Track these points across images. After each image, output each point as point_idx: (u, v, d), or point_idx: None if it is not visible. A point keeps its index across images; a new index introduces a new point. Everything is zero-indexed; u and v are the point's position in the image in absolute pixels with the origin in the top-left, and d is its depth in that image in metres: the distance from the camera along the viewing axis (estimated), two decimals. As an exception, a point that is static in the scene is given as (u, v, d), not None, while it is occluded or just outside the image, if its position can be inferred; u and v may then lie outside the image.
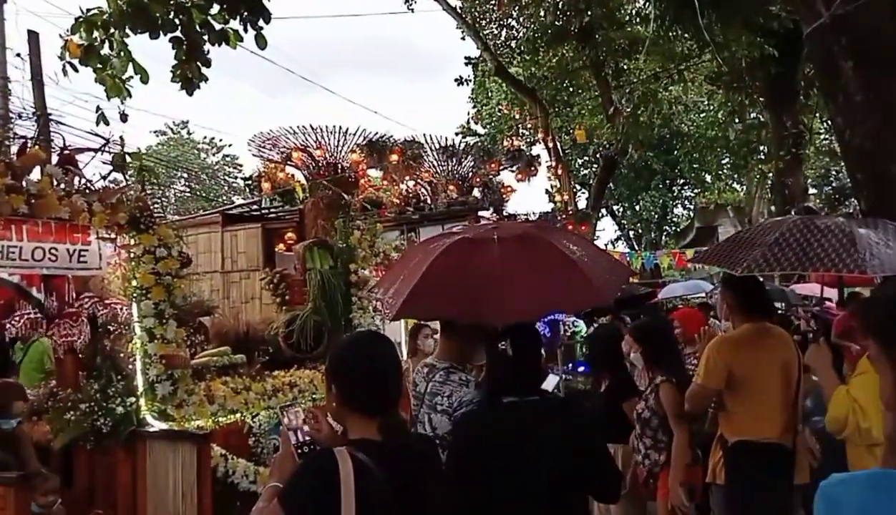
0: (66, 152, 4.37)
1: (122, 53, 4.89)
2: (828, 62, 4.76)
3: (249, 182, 9.88)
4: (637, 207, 29.89)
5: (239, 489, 4.16)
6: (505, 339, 2.24)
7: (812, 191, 21.08)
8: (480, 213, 10.22)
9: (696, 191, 28.98)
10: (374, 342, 1.97)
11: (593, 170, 24.28)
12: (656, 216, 29.94)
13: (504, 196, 11.31)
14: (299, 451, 1.80)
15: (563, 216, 13.44)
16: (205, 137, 35.33)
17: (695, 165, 24.57)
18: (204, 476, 3.83)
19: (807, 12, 4.83)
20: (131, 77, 4.98)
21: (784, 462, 3.09)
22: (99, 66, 4.92)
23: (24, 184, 3.84)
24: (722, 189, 26.78)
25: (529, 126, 17.59)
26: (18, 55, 10.74)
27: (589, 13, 13.03)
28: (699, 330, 4.58)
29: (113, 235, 4.33)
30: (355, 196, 8.43)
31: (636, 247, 28.04)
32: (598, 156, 21.83)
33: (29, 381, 5.12)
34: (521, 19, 16.16)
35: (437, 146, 10.56)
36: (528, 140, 18.17)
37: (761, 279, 3.35)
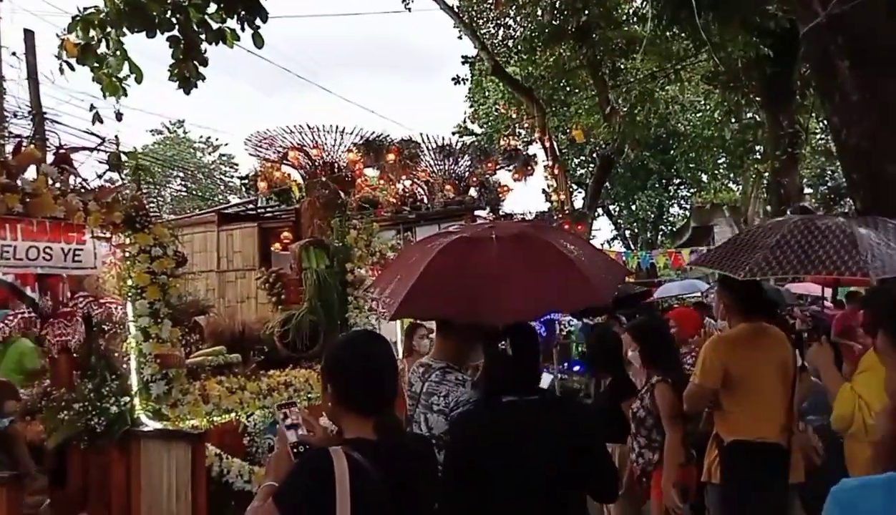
0: (62, 151, 4.35)
1: (117, 52, 4.88)
2: (824, 62, 4.77)
3: (246, 181, 9.86)
4: (633, 207, 29.94)
5: (234, 488, 4.15)
6: (504, 339, 2.24)
7: (808, 190, 21.15)
8: (477, 213, 10.23)
9: (692, 190, 29.04)
10: (370, 341, 1.97)
11: (590, 169, 24.31)
12: (652, 215, 29.98)
13: (500, 195, 11.32)
14: (295, 451, 1.80)
15: (560, 215, 13.46)
16: (201, 136, 35.28)
17: (691, 165, 24.63)
18: (198, 475, 3.82)
19: (803, 12, 4.84)
20: (127, 76, 4.97)
21: (780, 462, 3.10)
22: (96, 65, 4.91)
23: (19, 182, 3.83)
24: (718, 188, 26.85)
25: (526, 125, 17.61)
26: (14, 54, 10.71)
27: (586, 12, 13.04)
28: (695, 330, 4.60)
29: (108, 234, 4.31)
30: (352, 195, 8.42)
31: (632, 247, 28.07)
32: (594, 155, 21.87)
33: (7, 383, 5.03)
34: (518, 18, 16.19)
35: (434, 145, 10.56)
36: (525, 139, 18.19)
37: (758, 279, 3.35)
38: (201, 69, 5.01)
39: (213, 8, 4.75)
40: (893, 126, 4.41)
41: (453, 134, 22.47)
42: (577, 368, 8.23)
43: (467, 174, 10.88)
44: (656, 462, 3.54)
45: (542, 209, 14.29)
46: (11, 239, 4.08)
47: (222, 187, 33.40)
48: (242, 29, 4.83)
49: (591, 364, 4.64)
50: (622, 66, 15.44)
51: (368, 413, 1.81)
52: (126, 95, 5.10)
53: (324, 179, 8.30)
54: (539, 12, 14.73)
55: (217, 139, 35.33)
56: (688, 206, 29.67)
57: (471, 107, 23.12)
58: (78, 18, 4.68)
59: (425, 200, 10.48)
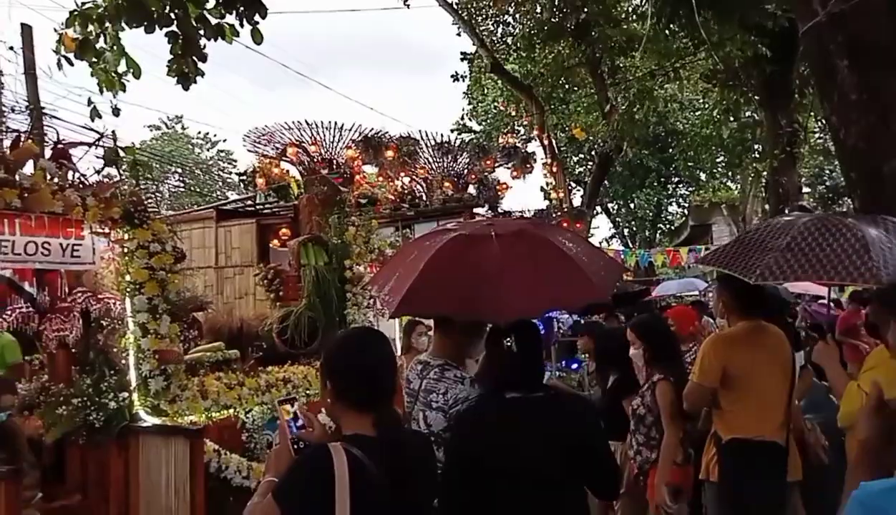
0: (60, 146, 4.34)
1: (114, 47, 4.87)
2: (823, 60, 4.77)
3: (244, 177, 9.84)
4: (632, 205, 29.96)
5: (232, 484, 4.15)
6: (509, 336, 2.25)
7: (806, 189, 21.17)
8: (475, 210, 10.22)
9: (690, 189, 29.08)
10: (368, 337, 1.97)
11: (588, 167, 24.32)
12: (651, 214, 30.01)
13: (499, 193, 11.31)
14: (295, 447, 1.80)
15: (558, 213, 13.46)
16: (199, 132, 35.22)
17: (689, 163, 24.67)
18: (197, 471, 3.82)
19: (803, 10, 4.84)
20: (126, 72, 4.95)
21: (778, 460, 3.11)
22: (94, 59, 4.90)
23: (17, 177, 3.82)
24: (716, 187, 26.87)
25: (525, 123, 17.60)
26: (11, 48, 10.67)
27: (585, 10, 13.04)
28: (693, 328, 4.60)
29: (106, 230, 4.30)
30: (350, 192, 8.41)
31: (630, 245, 28.10)
32: (592, 153, 21.87)
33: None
34: (517, 16, 16.16)
35: (433, 142, 10.55)
36: (524, 137, 18.18)
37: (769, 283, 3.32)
38: (200, 65, 5.00)
39: (211, 3, 4.73)
40: (892, 125, 4.41)
41: (452, 131, 22.49)
42: (574, 366, 8.24)
43: (466, 171, 10.87)
44: (654, 460, 3.54)
45: (541, 207, 14.28)
46: (10, 233, 4.07)
47: (220, 183, 33.35)
48: (241, 25, 4.82)
49: (598, 361, 4.64)
50: (621, 64, 15.44)
51: (367, 409, 1.81)
52: (124, 91, 5.08)
53: (327, 175, 8.27)
54: (538, 9, 14.72)
55: (215, 135, 35.28)
56: (686, 205, 29.70)
57: (469, 104, 23.11)
58: (76, 13, 4.67)
59: (424, 197, 10.48)
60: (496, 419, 2.22)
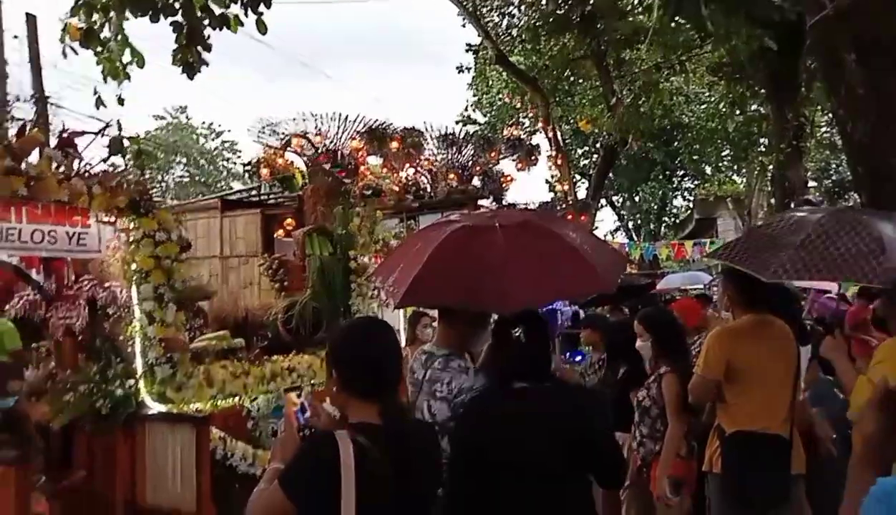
0: (66, 135, 4.35)
1: (119, 37, 4.87)
2: (831, 54, 4.74)
3: (248, 167, 9.84)
4: (636, 198, 29.90)
5: (237, 471, 4.18)
6: (517, 326, 2.26)
7: (812, 184, 21.07)
8: (480, 202, 10.21)
9: (695, 182, 28.98)
10: (373, 327, 1.99)
11: (593, 160, 24.26)
12: (655, 207, 29.95)
13: (504, 185, 11.29)
14: (301, 434, 1.82)
15: (563, 206, 13.44)
16: (203, 122, 35.21)
17: (695, 157, 24.58)
18: (203, 458, 3.85)
19: (811, 3, 4.81)
20: (130, 62, 4.96)
21: (781, 452, 3.11)
22: (99, 49, 4.91)
23: (23, 166, 3.83)
24: (722, 181, 26.79)
25: (530, 115, 17.55)
26: (16, 37, 10.68)
27: (591, 2, 12.98)
28: (698, 322, 4.60)
29: (112, 219, 4.32)
30: (355, 183, 8.42)
31: (635, 238, 28.08)
32: (597, 145, 21.80)
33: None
34: (522, 7, 16.10)
35: (437, 134, 10.54)
36: (529, 129, 18.13)
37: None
38: (204, 55, 5.00)
39: (217, -7, 4.73)
40: (900, 119, 4.39)
41: (457, 123, 22.43)
42: (578, 358, 8.25)
43: (471, 163, 10.86)
44: (657, 452, 3.56)
45: (546, 199, 14.27)
46: (16, 221, 4.09)
47: (225, 173, 33.39)
48: (246, 14, 4.82)
49: (608, 353, 4.66)
50: (627, 57, 15.38)
51: (373, 398, 1.83)
52: (129, 80, 5.09)
53: (332, 167, 8.28)
54: (543, 1, 14.65)
55: (220, 125, 35.27)
56: (691, 198, 29.63)
57: (474, 96, 23.04)
58: (81, 2, 4.67)
59: (428, 189, 10.47)
60: (504, 409, 2.23)
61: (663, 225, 30.84)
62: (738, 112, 17.27)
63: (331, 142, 9.21)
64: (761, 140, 17.58)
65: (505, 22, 16.73)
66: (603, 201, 26.13)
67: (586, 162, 26.06)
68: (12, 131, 4.06)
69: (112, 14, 4.69)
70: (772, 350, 3.20)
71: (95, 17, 4.73)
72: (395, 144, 9.60)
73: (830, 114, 13.91)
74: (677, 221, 30.40)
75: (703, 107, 20.29)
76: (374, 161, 9.66)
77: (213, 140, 35.59)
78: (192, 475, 3.84)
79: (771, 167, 15.55)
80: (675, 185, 30.23)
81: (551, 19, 14.14)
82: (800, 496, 3.25)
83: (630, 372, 4.05)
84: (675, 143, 24.22)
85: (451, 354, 2.55)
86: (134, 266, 4.23)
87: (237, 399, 4.61)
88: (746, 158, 19.61)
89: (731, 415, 3.21)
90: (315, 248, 6.19)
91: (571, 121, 19.21)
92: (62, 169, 4.04)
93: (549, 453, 2.15)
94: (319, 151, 9.09)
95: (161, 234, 4.25)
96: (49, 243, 4.20)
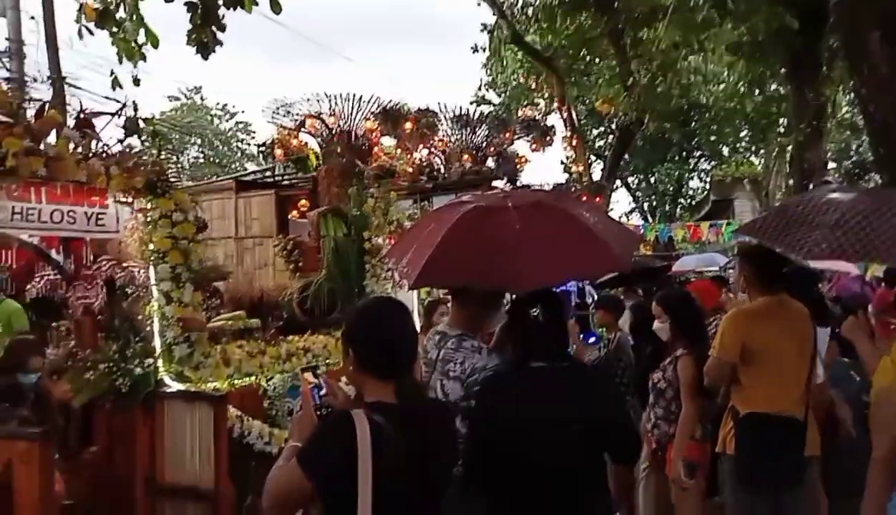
0: (83, 116, 4.38)
1: (134, 17, 4.88)
2: (854, 32, 4.65)
3: (263, 148, 9.86)
4: (652, 179, 29.63)
5: (254, 449, 4.24)
6: (535, 305, 2.27)
7: (832, 165, 20.76)
8: (494, 183, 10.16)
9: (712, 163, 28.64)
10: (389, 307, 2.00)
11: (609, 140, 24.02)
12: (671, 188, 29.67)
13: (518, 166, 11.23)
14: (319, 413, 1.84)
15: (578, 187, 13.35)
16: (217, 103, 35.24)
17: (712, 137, 24.27)
18: (220, 436, 3.90)
19: (835, -20, 4.71)
20: (145, 42, 4.97)
21: (795, 435, 3.10)
22: (114, 29, 4.92)
23: (42, 146, 3.86)
24: (739, 162, 26.44)
25: (545, 95, 17.38)
26: (32, 18, 10.71)
27: (608, -20, 12.74)
28: (715, 303, 4.57)
29: (130, 199, 4.35)
30: (369, 164, 8.41)
31: (650, 220, 27.86)
32: (613, 126, 21.57)
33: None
34: (538, -14, 15.85)
35: (452, 115, 10.48)
36: (544, 110, 17.97)
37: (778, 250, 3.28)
38: (219, 35, 5.00)
39: (231, -27, 4.71)
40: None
41: (471, 103, 22.27)
42: (591, 340, 8.24)
43: (485, 144, 10.80)
44: (672, 434, 3.56)
45: (560, 180, 14.17)
46: (36, 202, 4.14)
47: (239, 154, 33.48)
48: (260, -6, 4.80)
49: (633, 334, 4.67)
50: (644, 36, 15.12)
51: (389, 377, 1.84)
52: (144, 60, 5.11)
53: (347, 147, 8.27)
54: (560, -21, 14.43)
55: (234, 106, 35.29)
56: (708, 179, 29.30)
57: (489, 75, 22.84)
58: (97, -18, 4.68)
59: (442, 170, 10.44)
60: (521, 388, 2.25)
61: (679, 206, 30.56)
62: (756, 92, 16.99)
63: (345, 123, 9.19)
64: (780, 120, 17.28)
65: (520, 1, 16.52)
66: (618, 182, 25.91)
67: (602, 143, 25.83)
68: (30, 112, 4.09)
69: (127, -6, 4.70)
70: (787, 332, 3.18)
71: (111, -3, 4.73)
72: (409, 125, 9.56)
73: (851, 94, 13.65)
74: (693, 203, 30.09)
75: (721, 86, 19.94)
76: (388, 142, 9.63)
77: (227, 121, 35.66)
78: (210, 452, 3.89)
79: (790, 148, 15.29)
80: (691, 166, 29.91)
81: (567, -2, 13.94)
82: (814, 478, 3.24)
83: (654, 353, 4.03)
84: (693, 124, 23.95)
85: (464, 334, 2.56)
86: (151, 246, 4.27)
87: (253, 378, 4.66)
88: (765, 139, 19.32)
89: (746, 397, 3.20)
90: (329, 229, 6.21)
91: (587, 101, 19.00)
92: (80, 149, 4.07)
93: (565, 432, 2.17)
94: (333, 132, 9.08)
95: (178, 215, 4.28)
96: (68, 223, 4.25)
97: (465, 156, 10.37)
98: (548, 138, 11.74)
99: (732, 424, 3.24)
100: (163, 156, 4.65)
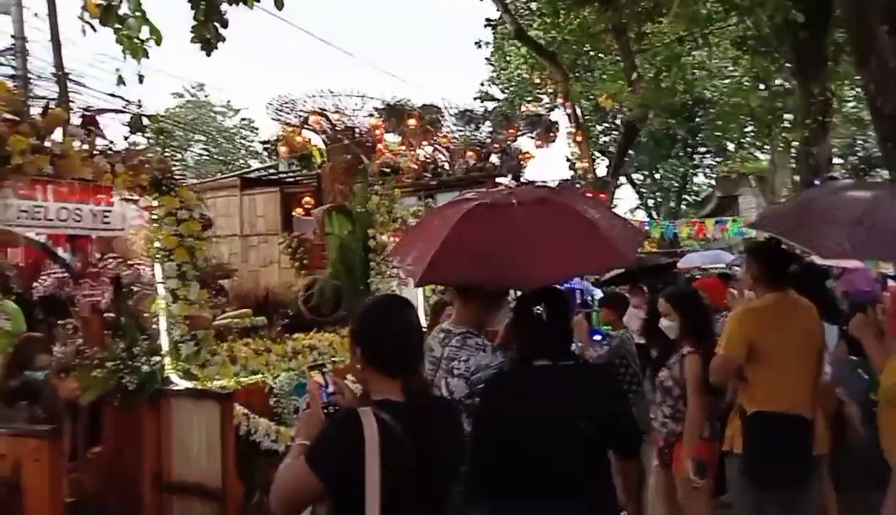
0: (88, 113, 4.38)
1: (137, 13, 4.87)
2: (861, 25, 4.62)
3: (268, 145, 9.86)
4: (657, 175, 29.51)
5: (261, 447, 4.24)
6: (539, 303, 2.26)
7: (838, 160, 20.65)
8: (498, 180, 10.14)
9: (717, 159, 28.52)
10: (396, 304, 2.00)
11: (613, 136, 23.95)
12: (676, 185, 29.55)
13: (522, 162, 11.20)
14: (326, 411, 1.84)
15: (582, 183, 13.32)
16: (221, 100, 35.25)
17: (717, 133, 24.14)
18: (227, 433, 3.91)
19: (842, -26, 4.67)
20: (149, 38, 4.96)
21: (803, 433, 3.09)
22: (118, 26, 4.91)
23: (47, 144, 3.87)
24: (744, 157, 26.32)
25: (549, 91, 17.33)
26: (36, 15, 10.73)
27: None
28: (722, 301, 4.55)
29: (135, 197, 4.36)
30: (373, 161, 8.40)
31: (655, 216, 27.78)
32: (617, 122, 21.50)
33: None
34: (542, -20, 15.79)
35: (455, 111, 10.46)
36: (548, 105, 17.92)
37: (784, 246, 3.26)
38: (222, 31, 4.99)
39: (234, -32, 4.69)
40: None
41: (475, 99, 22.23)
42: (597, 337, 8.22)
43: (489, 140, 10.77)
44: (680, 433, 3.54)
45: (565, 177, 14.15)
46: (42, 199, 4.16)
47: (243, 151, 33.50)
48: (263, -10, 4.78)
49: (647, 332, 4.65)
50: (648, 30, 15.06)
51: (396, 374, 1.84)
52: (147, 57, 5.10)
53: (351, 143, 8.26)
54: (563, -26, 14.37)
55: (237, 104, 35.27)
56: (713, 176, 29.19)
57: (493, 71, 22.79)
58: (99, -22, 4.67)
59: (446, 167, 10.42)
60: (526, 386, 2.25)
61: (684, 203, 30.44)
62: (762, 87, 16.89)
63: (349, 120, 9.17)
64: (786, 115, 17.20)
65: (524, -5, 16.48)
66: (623, 179, 25.83)
67: (606, 139, 25.74)
68: (35, 109, 4.09)
69: (130, -10, 4.68)
70: (795, 329, 3.16)
71: (114, -8, 4.72)
72: (413, 121, 9.54)
73: (858, 89, 13.57)
74: (698, 199, 30.00)
75: (726, 81, 19.83)
76: (392, 138, 9.62)
77: (231, 118, 35.67)
78: (217, 450, 3.90)
79: (795, 143, 15.22)
80: (696, 162, 29.78)
81: (571, -8, 13.87)
82: (822, 477, 3.23)
83: (663, 350, 4.00)
84: (697, 119, 23.82)
85: (468, 332, 2.56)
86: (157, 244, 4.27)
87: (260, 376, 4.67)
88: (770, 134, 19.20)
89: (753, 395, 3.19)
90: (334, 227, 6.21)
91: (591, 96, 18.92)
92: (85, 147, 4.07)
93: (568, 430, 2.16)
94: (337, 129, 9.06)
95: (183, 212, 4.28)
96: (74, 221, 4.27)
97: (470, 153, 10.34)
98: (552, 134, 11.69)
99: (739, 423, 3.23)
100: (167, 154, 4.65)
